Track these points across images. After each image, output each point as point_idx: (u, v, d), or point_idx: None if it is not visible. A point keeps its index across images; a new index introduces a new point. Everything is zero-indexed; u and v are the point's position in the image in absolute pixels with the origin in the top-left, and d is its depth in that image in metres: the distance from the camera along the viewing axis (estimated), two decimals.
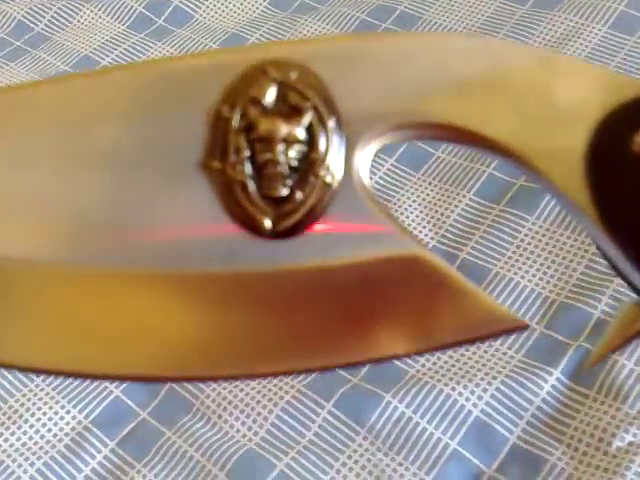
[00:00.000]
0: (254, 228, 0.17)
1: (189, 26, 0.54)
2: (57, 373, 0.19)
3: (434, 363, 0.33)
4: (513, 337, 0.33)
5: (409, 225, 0.39)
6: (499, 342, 0.33)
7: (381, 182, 0.41)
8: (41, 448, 0.34)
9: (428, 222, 0.39)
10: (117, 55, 0.52)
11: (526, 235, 0.37)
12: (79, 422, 0.35)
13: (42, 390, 0.36)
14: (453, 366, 0.33)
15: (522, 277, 0.35)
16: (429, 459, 0.32)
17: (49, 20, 0.55)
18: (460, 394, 0.32)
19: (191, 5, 0.54)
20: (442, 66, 0.17)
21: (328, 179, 0.17)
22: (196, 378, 0.21)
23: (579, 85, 0.17)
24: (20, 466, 0.34)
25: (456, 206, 0.39)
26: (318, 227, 0.17)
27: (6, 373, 0.37)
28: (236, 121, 0.17)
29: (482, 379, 0.32)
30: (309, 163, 0.17)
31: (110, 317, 0.17)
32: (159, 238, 0.17)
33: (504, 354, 0.33)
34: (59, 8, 0.56)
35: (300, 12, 0.52)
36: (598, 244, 0.17)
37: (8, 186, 0.17)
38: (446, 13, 0.49)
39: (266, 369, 0.18)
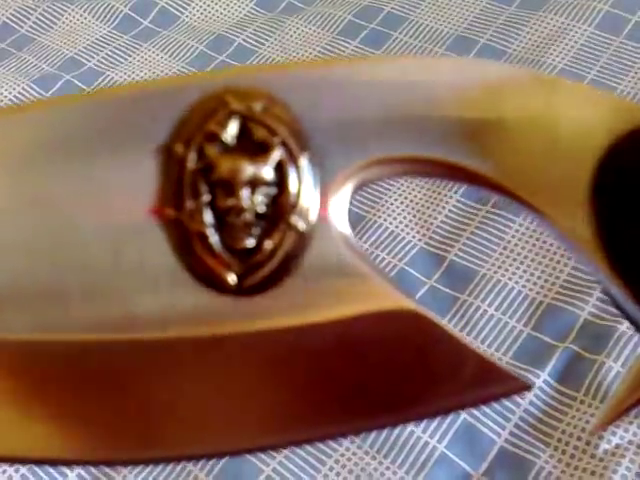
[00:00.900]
0: (217, 285, 0.14)
1: (175, 27, 0.53)
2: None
3: None
4: (500, 338, 0.33)
5: (396, 227, 0.39)
6: (486, 344, 0.33)
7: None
8: None
9: (415, 224, 0.38)
10: (103, 57, 0.52)
11: (513, 237, 0.37)
12: None
13: None
14: None
15: (509, 279, 0.35)
16: (417, 462, 0.32)
17: (34, 22, 0.55)
18: None
19: (177, 6, 0.54)
20: (427, 94, 0.15)
21: (301, 226, 0.14)
22: (152, 459, 0.17)
23: (583, 112, 0.15)
24: (12, 464, 0.33)
25: (443, 207, 0.39)
26: (290, 281, 0.14)
27: None
28: (192, 161, 0.14)
29: None
30: (279, 208, 0.14)
31: (56, 393, 0.15)
32: (106, 303, 0.14)
33: (491, 356, 0.33)
34: (44, 9, 0.55)
35: (286, 13, 0.52)
36: (604, 285, 0.15)
37: None
38: (432, 14, 0.49)
39: (233, 446, 0.15)
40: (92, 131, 0.15)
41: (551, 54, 0.44)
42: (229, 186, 0.14)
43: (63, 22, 0.55)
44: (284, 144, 0.14)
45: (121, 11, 0.54)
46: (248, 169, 0.14)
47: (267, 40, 0.51)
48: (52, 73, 0.51)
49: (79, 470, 0.33)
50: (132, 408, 0.15)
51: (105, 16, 0.54)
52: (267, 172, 0.14)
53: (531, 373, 0.32)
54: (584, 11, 0.45)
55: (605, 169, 0.15)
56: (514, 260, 0.36)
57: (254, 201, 0.14)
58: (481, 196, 0.38)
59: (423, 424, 0.32)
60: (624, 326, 0.32)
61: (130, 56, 0.52)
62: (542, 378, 0.31)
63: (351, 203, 0.15)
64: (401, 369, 0.15)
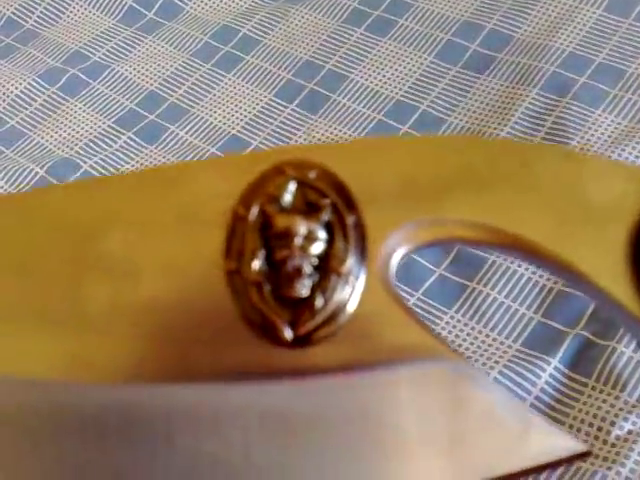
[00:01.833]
0: (271, 334, 0.15)
1: (180, 19, 0.53)
2: None
3: None
4: (510, 326, 0.33)
5: None
6: (496, 332, 0.33)
7: None
8: None
9: None
10: (108, 50, 0.52)
11: None
12: None
13: None
14: None
15: (519, 265, 0.35)
16: None
17: (38, 16, 0.55)
18: None
19: None
20: (464, 166, 0.16)
21: (351, 279, 0.16)
22: None
23: (612, 181, 0.16)
24: None
25: None
26: (340, 332, 0.16)
27: None
28: (252, 218, 0.16)
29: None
30: (330, 262, 0.16)
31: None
32: (165, 350, 0.16)
33: (501, 344, 0.33)
34: (48, 4, 0.55)
35: (291, 2, 0.52)
36: None
37: (11, 295, 0.16)
38: (438, 0, 0.49)
39: None
40: (167, 203, 0.17)
41: (559, 38, 0.43)
42: (284, 239, 0.16)
43: (67, 16, 0.55)
44: (333, 205, 0.16)
45: (125, 3, 0.54)
46: (301, 225, 0.16)
47: (272, 30, 0.50)
48: (58, 67, 0.51)
49: None
50: (179, 461, 0.15)
51: (109, 9, 0.54)
52: (319, 229, 0.16)
53: (542, 360, 0.31)
54: None
55: None
56: None
57: (307, 253, 0.16)
58: None
59: None
60: None
61: (135, 48, 0.51)
62: (553, 365, 0.31)
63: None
64: (452, 428, 0.16)
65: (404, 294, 0.35)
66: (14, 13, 0.55)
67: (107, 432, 0.15)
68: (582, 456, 0.16)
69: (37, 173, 0.44)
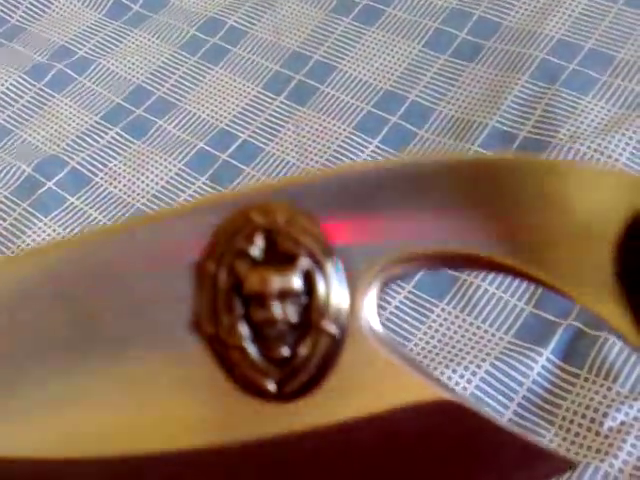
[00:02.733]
0: (258, 392, 0.15)
1: (166, 11, 0.52)
2: None
3: (422, 348, 0.33)
4: (502, 318, 0.33)
5: None
6: (487, 323, 0.33)
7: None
8: None
9: None
10: (94, 44, 0.51)
11: None
12: None
13: None
14: (442, 349, 0.33)
15: None
16: None
17: (24, 11, 0.54)
18: (449, 378, 0.31)
19: None
20: (446, 190, 0.15)
21: (333, 330, 0.15)
22: None
23: (598, 192, 0.15)
24: None
25: None
26: (328, 383, 0.15)
27: None
28: (223, 278, 0.15)
29: (471, 362, 0.31)
30: (310, 315, 0.15)
31: None
32: (151, 414, 0.15)
33: (493, 335, 0.33)
34: None
35: None
36: None
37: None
38: None
39: None
40: (129, 257, 0.16)
41: (547, 24, 0.43)
42: (260, 299, 0.15)
43: (53, 10, 0.54)
44: (309, 253, 0.15)
45: None
46: (276, 281, 0.15)
47: (259, 21, 0.50)
48: (44, 63, 0.50)
49: None
50: None
51: (95, 2, 0.54)
52: (295, 281, 0.15)
53: (534, 352, 0.31)
54: None
55: (627, 246, 0.15)
56: None
57: (286, 312, 0.15)
58: None
59: None
60: None
61: (121, 42, 0.51)
62: (545, 356, 0.31)
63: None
64: (443, 460, 0.15)
65: (395, 287, 0.35)
66: None
67: None
68: (567, 468, 0.16)
69: (24, 171, 0.44)
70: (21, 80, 0.50)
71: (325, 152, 0.42)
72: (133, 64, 0.49)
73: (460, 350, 0.32)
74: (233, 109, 0.45)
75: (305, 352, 0.15)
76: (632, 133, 0.37)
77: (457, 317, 0.33)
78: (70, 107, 0.48)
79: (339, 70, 0.46)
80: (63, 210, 0.42)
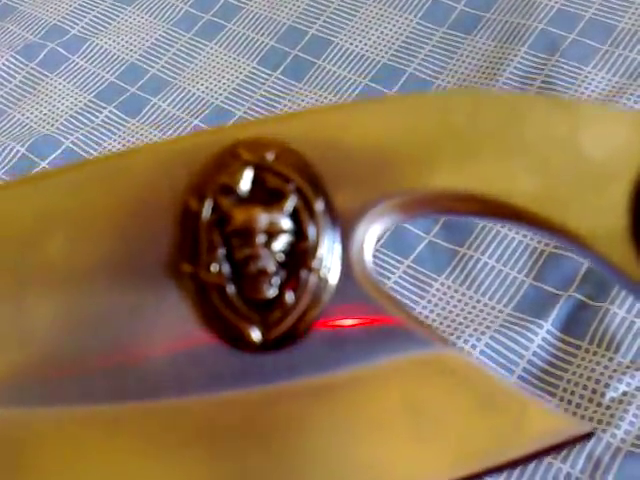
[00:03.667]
0: (239, 340, 0.14)
1: None
2: None
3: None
4: (502, 290, 0.33)
5: None
6: (487, 297, 0.33)
7: None
8: None
9: None
10: (86, 23, 0.50)
11: None
12: None
13: None
14: (441, 323, 0.32)
15: (509, 229, 0.34)
16: None
17: None
18: None
19: None
20: (444, 129, 0.14)
21: (323, 272, 0.14)
22: None
23: (610, 133, 0.14)
24: None
25: None
26: (316, 333, 0.14)
27: None
28: (206, 214, 0.14)
29: (471, 335, 0.31)
30: (298, 255, 0.14)
31: (74, 468, 0.14)
32: (125, 364, 0.14)
33: (493, 308, 0.32)
34: None
35: None
36: None
37: None
38: None
39: None
40: (111, 194, 0.15)
41: None
42: (245, 236, 0.14)
43: None
44: (298, 190, 0.14)
45: None
46: (264, 218, 0.14)
47: None
48: (36, 42, 0.50)
49: None
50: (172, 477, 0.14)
51: None
52: (283, 220, 0.14)
53: (534, 324, 0.31)
54: None
55: None
56: None
57: (272, 249, 0.14)
58: None
59: None
60: None
61: (114, 20, 0.50)
62: (545, 328, 0.31)
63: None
64: (442, 417, 0.14)
65: (394, 262, 0.35)
66: None
67: None
68: (586, 437, 0.15)
69: (18, 151, 0.43)
70: (13, 60, 0.49)
71: None
72: (126, 42, 0.49)
73: (460, 324, 0.32)
74: (229, 85, 0.45)
75: (291, 295, 0.14)
76: (633, 103, 0.37)
77: (456, 291, 0.33)
78: (63, 86, 0.47)
79: (335, 44, 0.45)
80: None
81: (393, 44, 0.44)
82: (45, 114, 0.46)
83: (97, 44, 0.49)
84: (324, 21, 0.46)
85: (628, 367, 0.29)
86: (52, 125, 0.45)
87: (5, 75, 0.48)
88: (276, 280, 0.14)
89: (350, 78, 0.43)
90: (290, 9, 0.48)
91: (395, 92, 0.42)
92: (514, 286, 0.33)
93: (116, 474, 0.14)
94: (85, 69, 0.48)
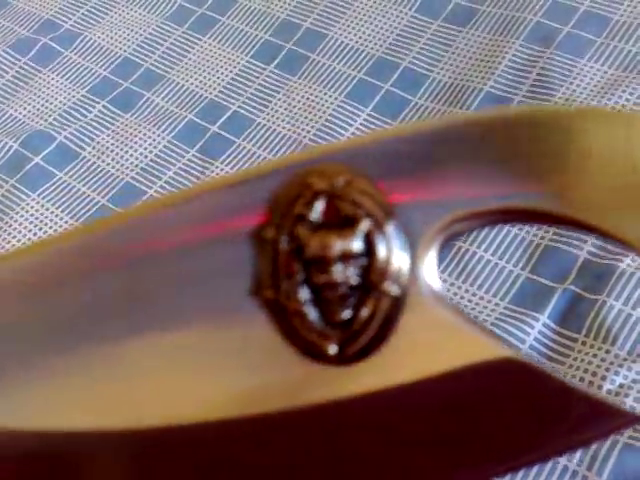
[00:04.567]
0: (319, 356, 0.15)
1: None
2: None
3: None
4: (497, 284, 0.33)
5: None
6: (483, 290, 0.32)
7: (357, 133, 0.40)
8: None
9: None
10: (79, 17, 0.50)
11: None
12: None
13: None
14: None
15: None
16: None
17: None
18: None
19: None
20: (506, 144, 0.15)
21: (393, 291, 0.15)
22: None
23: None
24: None
25: None
26: (389, 345, 0.15)
27: None
28: (284, 243, 0.15)
29: None
30: (370, 277, 0.15)
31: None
32: (215, 385, 0.15)
33: (489, 302, 0.32)
34: None
35: None
36: None
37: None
38: None
39: None
40: (188, 223, 0.16)
41: None
42: (321, 263, 0.15)
43: None
44: (369, 215, 0.15)
45: None
46: (337, 244, 0.15)
47: None
48: (29, 37, 0.50)
49: None
50: None
51: None
52: (356, 244, 0.15)
53: (530, 317, 0.31)
54: None
55: None
56: None
57: (347, 274, 0.15)
58: None
59: None
60: (625, 264, 0.31)
61: (107, 14, 0.50)
62: (542, 321, 0.31)
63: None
64: (509, 420, 0.15)
65: None
66: None
67: None
68: (633, 422, 0.15)
69: (11, 147, 0.43)
70: (5, 55, 0.49)
71: (317, 122, 0.41)
72: (120, 36, 0.48)
73: None
74: (222, 80, 0.45)
75: (366, 314, 0.15)
76: (628, 95, 0.37)
77: (452, 284, 0.33)
78: (56, 81, 0.47)
79: (330, 38, 0.45)
80: (51, 185, 0.41)
81: (388, 37, 0.44)
82: (38, 109, 0.46)
83: (90, 38, 0.49)
84: (318, 14, 0.46)
85: (625, 360, 0.29)
86: (45, 120, 0.45)
87: None
88: (351, 301, 0.15)
89: (345, 72, 0.43)
90: (284, 3, 0.47)
91: (389, 86, 0.42)
92: (510, 279, 0.32)
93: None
94: (78, 64, 0.47)
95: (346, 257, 0.15)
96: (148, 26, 0.48)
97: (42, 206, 0.40)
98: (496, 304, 0.32)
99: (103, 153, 0.42)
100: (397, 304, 0.15)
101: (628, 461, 0.26)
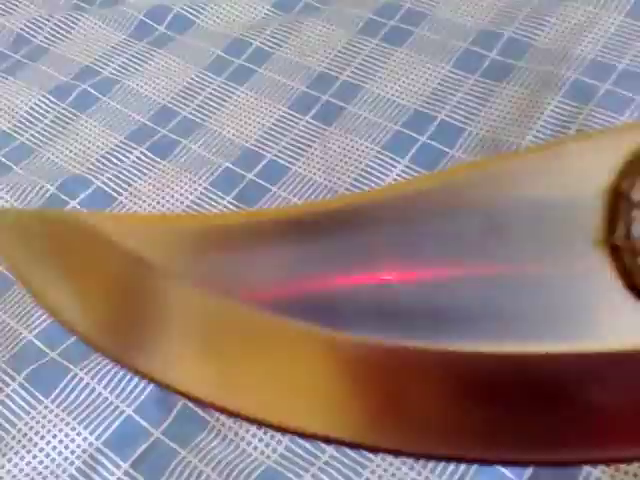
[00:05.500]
0: None
1: (191, 32, 0.52)
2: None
3: None
4: None
5: None
6: None
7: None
8: (52, 472, 0.33)
9: None
10: (118, 65, 0.51)
11: None
12: (90, 444, 0.33)
13: (52, 412, 0.35)
14: None
15: None
16: (457, 471, 0.30)
17: (48, 32, 0.54)
18: None
19: (192, 11, 0.53)
20: None
21: None
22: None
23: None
24: None
25: None
26: None
27: (14, 395, 0.35)
28: (637, 195, 0.16)
29: None
30: None
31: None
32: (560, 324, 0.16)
33: None
34: (58, 20, 0.55)
35: (304, 14, 0.51)
36: None
37: None
38: (454, 9, 0.48)
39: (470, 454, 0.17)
40: (542, 181, 0.17)
41: (580, 45, 0.42)
42: None
43: (77, 31, 0.54)
44: None
45: (135, 18, 0.53)
46: None
47: (285, 42, 0.50)
48: (68, 83, 0.50)
49: None
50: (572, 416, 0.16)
51: (120, 23, 0.54)
52: None
53: None
54: None
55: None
56: None
57: None
58: None
59: None
60: None
61: (146, 62, 0.51)
62: None
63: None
64: None
65: None
66: (23, 30, 0.55)
67: None
68: None
69: (48, 190, 0.44)
70: (44, 100, 0.49)
71: (353, 171, 0.42)
72: (158, 84, 0.49)
73: None
74: (259, 129, 0.45)
75: None
76: None
77: None
78: (94, 127, 0.47)
79: (366, 90, 0.45)
80: None
81: (424, 91, 0.44)
82: (76, 154, 0.46)
83: (129, 86, 0.49)
84: (355, 68, 0.47)
85: None
86: (82, 165, 0.45)
87: (36, 115, 0.49)
88: None
89: (381, 123, 0.43)
90: (321, 56, 0.48)
91: (426, 138, 0.42)
92: None
93: None
94: (116, 110, 0.48)
95: None
96: (187, 75, 0.49)
97: None
98: None
99: (140, 199, 0.42)
100: None
101: None
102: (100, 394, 0.35)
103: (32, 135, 0.48)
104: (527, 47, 0.44)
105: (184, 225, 0.19)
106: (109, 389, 0.35)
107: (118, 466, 0.33)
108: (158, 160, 0.44)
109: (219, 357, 0.18)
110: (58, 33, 0.54)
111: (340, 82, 0.46)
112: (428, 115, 0.43)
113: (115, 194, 0.43)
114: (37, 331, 0.37)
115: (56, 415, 0.34)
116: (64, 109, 0.49)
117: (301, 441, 0.32)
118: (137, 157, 0.45)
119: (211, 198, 0.42)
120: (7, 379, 0.36)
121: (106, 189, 0.43)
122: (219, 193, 0.42)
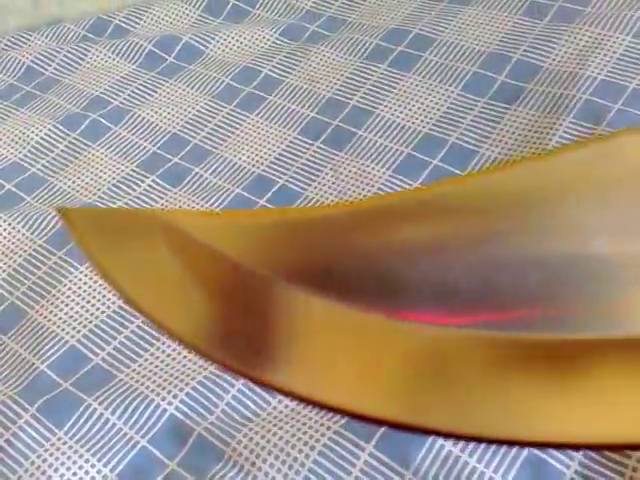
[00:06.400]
0: None
1: (200, 62, 0.53)
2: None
3: None
4: None
5: None
6: None
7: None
8: None
9: None
10: (128, 94, 0.51)
11: None
12: (105, 476, 0.33)
13: (65, 444, 0.34)
14: None
15: None
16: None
17: (58, 63, 0.55)
18: None
19: (201, 41, 0.54)
20: None
21: None
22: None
23: None
24: None
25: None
26: None
27: (27, 427, 0.35)
28: None
29: None
30: None
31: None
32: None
33: None
34: (68, 51, 0.55)
35: (312, 41, 0.52)
36: None
37: None
38: (462, 33, 0.48)
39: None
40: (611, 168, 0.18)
41: (589, 66, 0.43)
42: None
43: (87, 62, 0.55)
44: None
45: (145, 48, 0.54)
46: None
47: (294, 69, 0.50)
48: (78, 113, 0.51)
49: None
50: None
51: (129, 54, 0.54)
52: None
53: None
54: (620, 20, 0.44)
55: None
56: None
57: None
58: None
59: (486, 458, 0.30)
60: None
61: (156, 92, 0.51)
62: None
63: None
64: None
65: None
66: (34, 61, 0.55)
67: None
68: None
69: (59, 219, 0.43)
70: (56, 130, 0.50)
71: (365, 196, 0.41)
72: (168, 113, 0.49)
73: None
74: (270, 155, 0.45)
75: None
76: None
77: None
78: (105, 156, 0.48)
79: (376, 115, 0.45)
80: None
81: (434, 114, 0.44)
82: (87, 183, 0.46)
83: (139, 115, 0.50)
84: (364, 93, 0.47)
85: None
86: (94, 194, 0.45)
87: (47, 144, 0.49)
88: None
89: (392, 147, 0.43)
90: (330, 82, 0.48)
91: (437, 161, 0.42)
92: None
93: None
94: (127, 139, 0.48)
95: None
96: (197, 104, 0.49)
97: (90, 279, 0.40)
98: None
99: None
100: None
101: None
102: (114, 425, 0.34)
103: (43, 165, 0.48)
104: (536, 69, 0.44)
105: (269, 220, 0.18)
106: (123, 420, 0.34)
107: None
108: (169, 188, 0.44)
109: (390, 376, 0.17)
110: (68, 64, 0.55)
111: (350, 107, 0.46)
112: (439, 138, 0.43)
113: None
114: (50, 361, 0.37)
115: (70, 447, 0.34)
116: (75, 139, 0.49)
117: (321, 470, 0.31)
118: (148, 185, 0.45)
119: None
120: (20, 411, 0.35)
121: None
122: None
